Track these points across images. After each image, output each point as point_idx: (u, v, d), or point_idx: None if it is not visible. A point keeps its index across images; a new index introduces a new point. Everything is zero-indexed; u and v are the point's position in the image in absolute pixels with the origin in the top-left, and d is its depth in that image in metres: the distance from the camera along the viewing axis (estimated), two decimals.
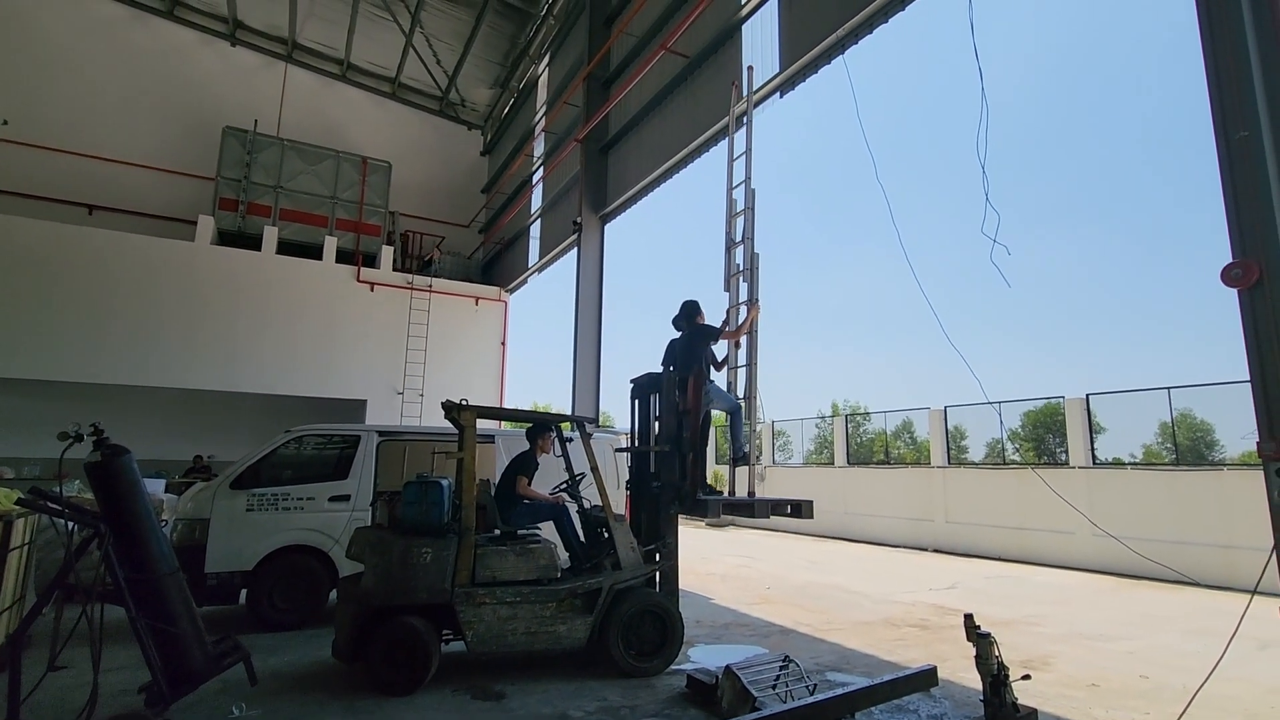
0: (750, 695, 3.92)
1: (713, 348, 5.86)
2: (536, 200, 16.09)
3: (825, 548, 14.01)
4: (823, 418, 22.30)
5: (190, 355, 13.78)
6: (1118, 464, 12.46)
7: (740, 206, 6.30)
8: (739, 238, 6.22)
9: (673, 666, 5.24)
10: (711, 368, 5.85)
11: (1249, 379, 3.51)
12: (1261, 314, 3.44)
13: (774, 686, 4.32)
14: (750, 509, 5.52)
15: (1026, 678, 4.07)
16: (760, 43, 8.46)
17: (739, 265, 6.22)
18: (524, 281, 16.60)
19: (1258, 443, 3.50)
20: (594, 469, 5.48)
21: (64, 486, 5.69)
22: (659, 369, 5.90)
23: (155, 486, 9.60)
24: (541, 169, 15.84)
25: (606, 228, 12.40)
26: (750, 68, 7.08)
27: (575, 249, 12.70)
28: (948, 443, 14.43)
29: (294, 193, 15.93)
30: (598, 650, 5.12)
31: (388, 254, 16.13)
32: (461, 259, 18.47)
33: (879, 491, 15.24)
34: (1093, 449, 11.79)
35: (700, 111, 9.71)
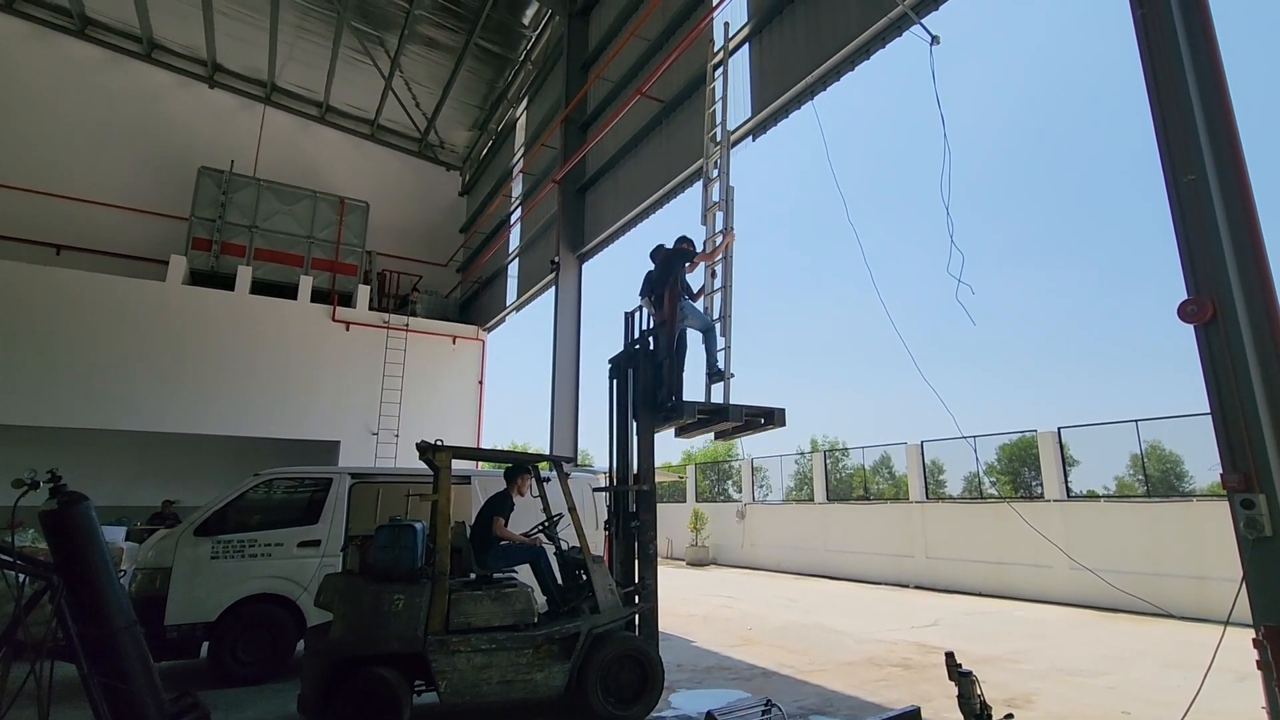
0: None
1: (688, 278, 6.25)
2: (515, 240, 16.19)
3: (806, 586, 13.89)
4: (801, 454, 22.37)
5: (158, 397, 13.44)
6: (1091, 496, 12.61)
7: (717, 141, 7.05)
8: (714, 174, 6.85)
9: (654, 714, 5.10)
10: (686, 293, 6.16)
11: (1209, 412, 3.60)
12: (1217, 349, 3.55)
13: None
14: (725, 413, 5.73)
15: (1009, 717, 4.03)
16: (732, 88, 8.72)
17: (715, 199, 6.76)
18: (502, 320, 16.58)
19: (1221, 474, 3.58)
20: (571, 509, 5.40)
21: (15, 536, 5.46)
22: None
23: (115, 535, 9.24)
24: (519, 209, 15.98)
25: (584, 267, 12.49)
26: (726, 23, 7.80)
27: (553, 288, 12.75)
28: (925, 478, 14.52)
29: (270, 232, 15.85)
30: (575, 697, 4.98)
31: (364, 293, 16.04)
32: (439, 298, 18.41)
33: (859, 527, 15.22)
34: (1066, 482, 11.94)
35: (675, 154, 9.92)
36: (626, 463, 6.10)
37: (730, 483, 25.22)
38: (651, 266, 6.71)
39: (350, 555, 5.09)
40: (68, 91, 16.24)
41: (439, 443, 5.11)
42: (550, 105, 14.67)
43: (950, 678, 3.88)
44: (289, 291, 15.59)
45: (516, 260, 15.94)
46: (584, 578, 5.56)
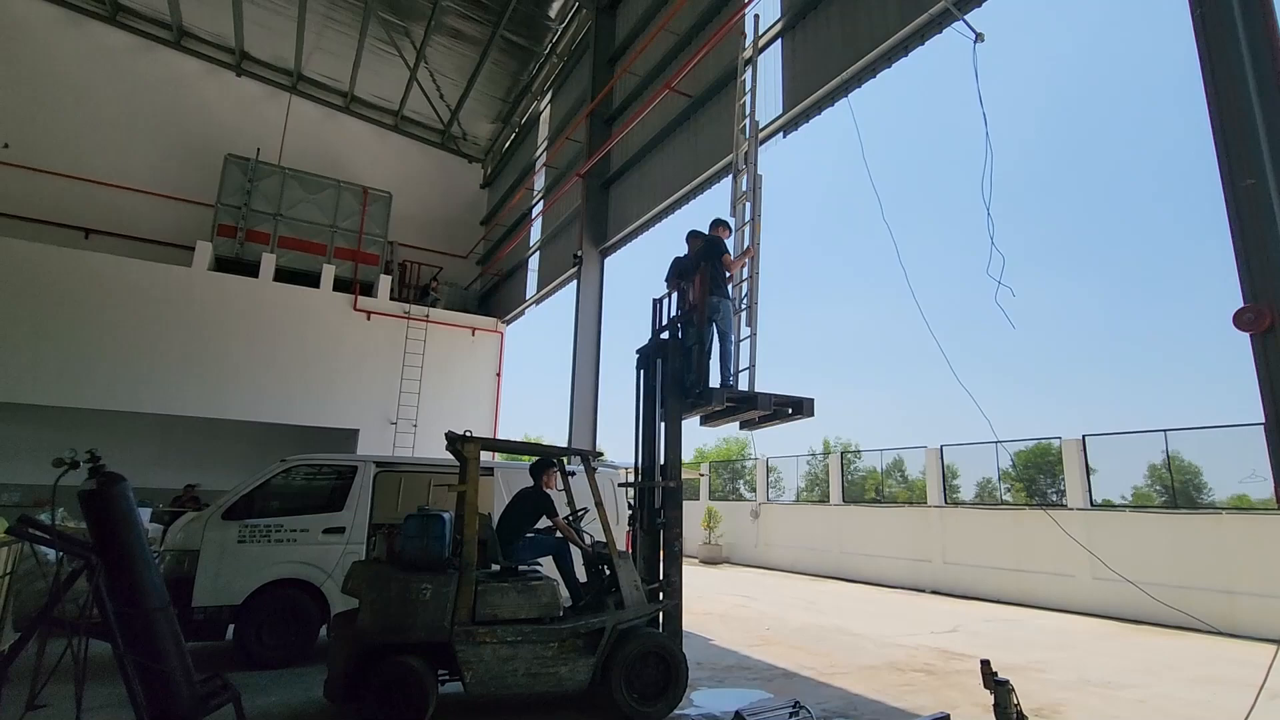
0: None
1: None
2: (536, 233, 16.19)
3: (822, 588, 13.80)
4: (813, 455, 22.27)
5: (181, 381, 13.59)
6: (1108, 505, 12.42)
7: (746, 135, 7.18)
8: (743, 166, 6.96)
9: (675, 711, 5.07)
10: (718, 288, 6.09)
11: (1263, 423, 3.51)
12: (1275, 358, 3.46)
13: None
14: (753, 401, 5.71)
15: None
16: (763, 84, 8.63)
17: (744, 189, 6.86)
18: (521, 313, 16.60)
19: (1276, 488, 3.48)
20: (599, 504, 5.38)
21: (41, 515, 5.52)
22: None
23: (140, 516, 9.34)
24: (541, 203, 15.97)
25: (606, 261, 12.46)
26: (757, 16, 7.96)
27: (574, 282, 12.73)
28: (944, 482, 14.36)
29: (294, 221, 15.95)
30: (596, 693, 4.96)
31: (385, 283, 16.11)
32: (459, 289, 18.47)
33: (875, 530, 15.10)
34: (1090, 490, 11.76)
35: (702, 150, 9.85)
36: (652, 457, 6.06)
37: (742, 482, 25.15)
38: (684, 251, 6.69)
39: (377, 543, 5.11)
40: (98, 77, 16.42)
41: (468, 434, 5.10)
42: (575, 99, 14.63)
43: (985, 686, 3.82)
44: (311, 280, 15.68)
45: (537, 254, 15.94)
46: (606, 572, 5.55)
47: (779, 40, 8.57)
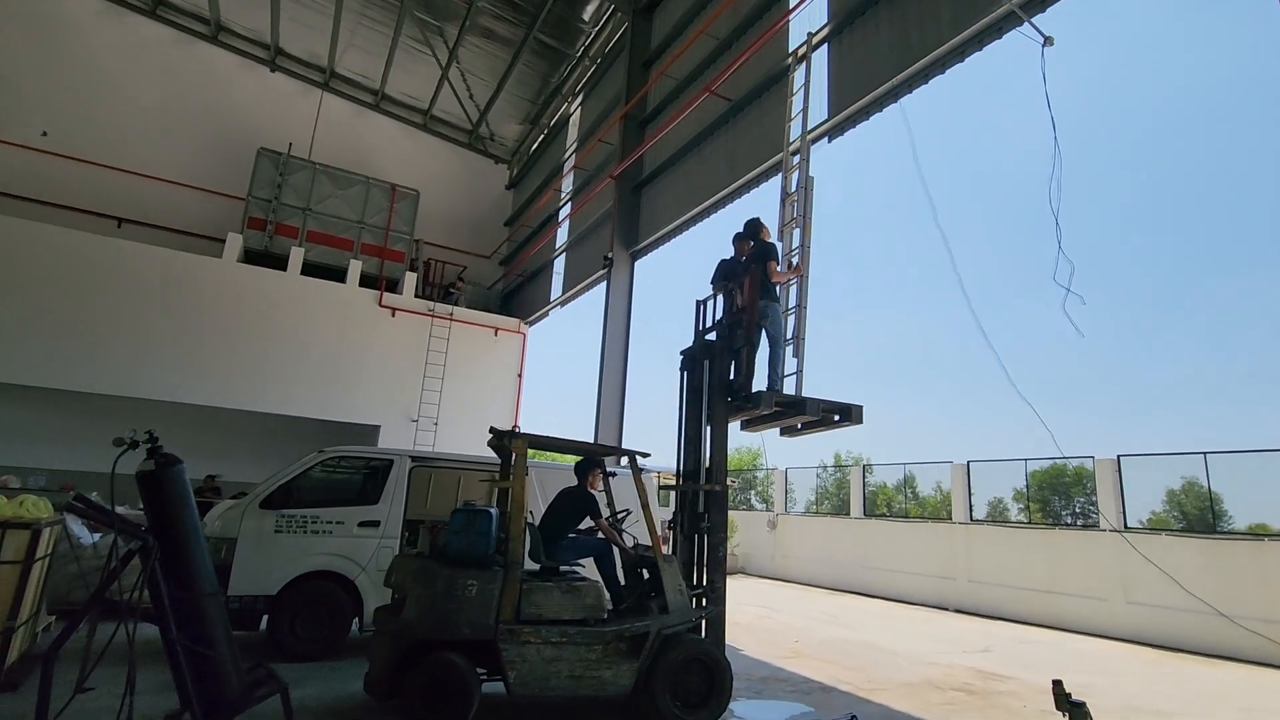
0: None
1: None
2: (562, 235, 16.16)
3: (843, 602, 13.60)
4: (824, 467, 22.03)
5: (206, 371, 13.63)
6: (1152, 528, 12.14)
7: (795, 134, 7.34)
8: (794, 163, 7.04)
9: None
10: (767, 291, 6.00)
11: None
12: None
13: None
14: (802, 406, 5.60)
15: None
16: (798, 83, 8.56)
17: (793, 187, 6.86)
18: (546, 314, 16.56)
19: None
20: (644, 505, 5.28)
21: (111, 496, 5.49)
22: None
23: None
24: (570, 205, 15.96)
25: (635, 265, 12.39)
26: (811, 35, 8.05)
27: (604, 284, 12.67)
28: (970, 498, 14.14)
29: (322, 215, 16.03)
30: (636, 699, 4.84)
31: (411, 280, 16.13)
32: (482, 289, 18.48)
33: (897, 546, 14.87)
34: (1124, 512, 11.51)
35: (741, 155, 9.78)
36: (696, 460, 5.96)
37: (753, 492, 24.93)
38: (727, 254, 6.62)
39: (421, 537, 5.03)
40: (136, 69, 16.60)
41: (515, 429, 5.01)
42: (608, 102, 14.62)
43: (1058, 707, 3.67)
44: (337, 275, 15.74)
45: (564, 255, 15.90)
46: (645, 576, 5.45)
47: (825, 45, 8.48)
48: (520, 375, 17.04)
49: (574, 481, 5.72)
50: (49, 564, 5.45)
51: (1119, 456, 11.71)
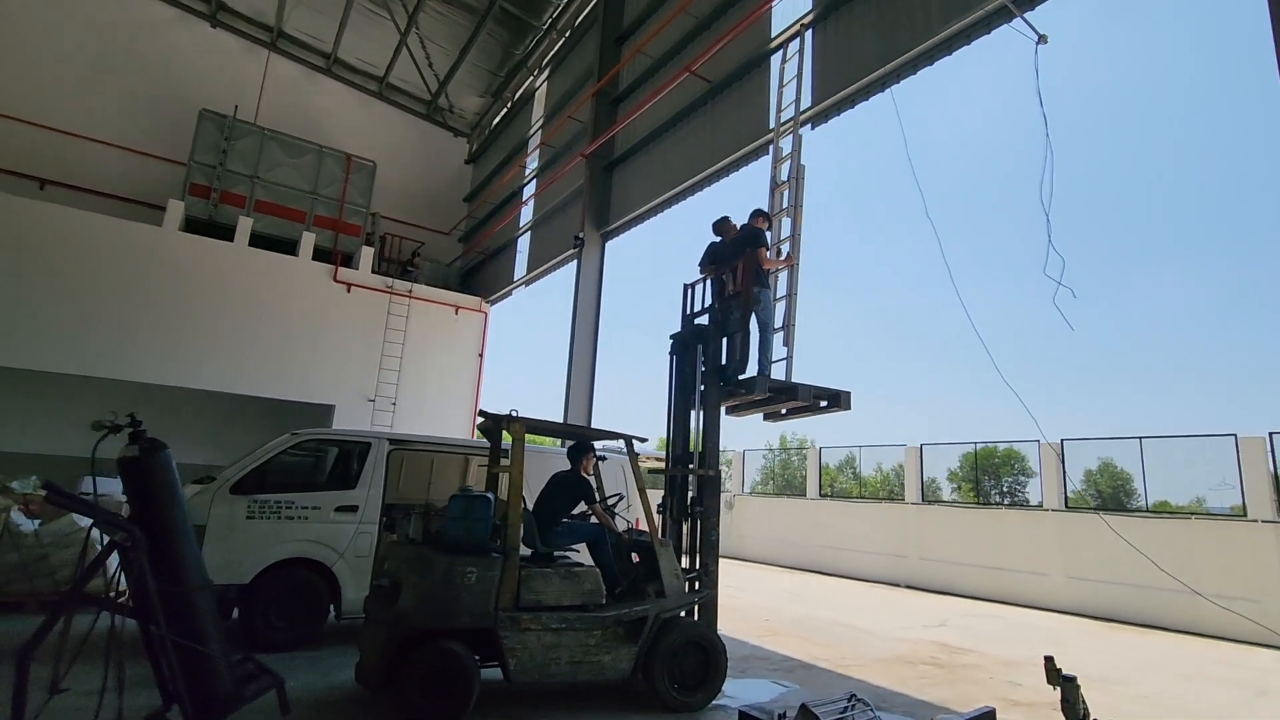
0: None
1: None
2: (526, 214, 15.82)
3: (802, 580, 13.99)
4: (771, 449, 22.52)
5: (144, 346, 12.83)
6: (1089, 507, 12.89)
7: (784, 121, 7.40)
8: (785, 152, 7.06)
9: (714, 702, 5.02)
10: (759, 278, 6.03)
11: None
12: None
13: None
14: (794, 392, 5.73)
15: None
16: (791, 72, 8.56)
17: (784, 178, 6.91)
18: (508, 293, 16.23)
19: None
20: (641, 491, 5.25)
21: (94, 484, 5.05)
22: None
23: (111, 487, 8.78)
24: (535, 182, 15.61)
25: (606, 246, 12.25)
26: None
27: (575, 264, 12.48)
28: (922, 480, 14.70)
29: (272, 185, 15.21)
30: (631, 683, 4.86)
31: (368, 255, 15.53)
32: (440, 266, 17.96)
33: (851, 525, 15.36)
34: (1065, 492, 12.19)
35: (721, 138, 9.73)
36: (685, 444, 5.97)
37: None
38: (716, 238, 6.60)
39: (413, 524, 4.87)
40: (60, 16, 15.28)
41: (514, 413, 4.90)
42: (576, 77, 14.30)
43: (1050, 682, 3.86)
44: (288, 247, 15.03)
45: (529, 234, 15.58)
46: (635, 560, 5.46)
47: (809, 30, 8.48)
48: (481, 355, 16.70)
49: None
50: None
51: (1061, 440, 12.36)
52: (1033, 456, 16.22)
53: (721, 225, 6.55)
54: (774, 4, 8.96)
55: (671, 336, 6.29)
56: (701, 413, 5.71)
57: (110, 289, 12.64)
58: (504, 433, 5.65)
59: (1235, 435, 10.13)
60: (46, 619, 3.24)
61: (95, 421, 3.36)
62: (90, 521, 6.46)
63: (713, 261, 6.34)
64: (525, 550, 5.11)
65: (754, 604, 10.27)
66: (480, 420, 5.41)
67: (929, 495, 15.49)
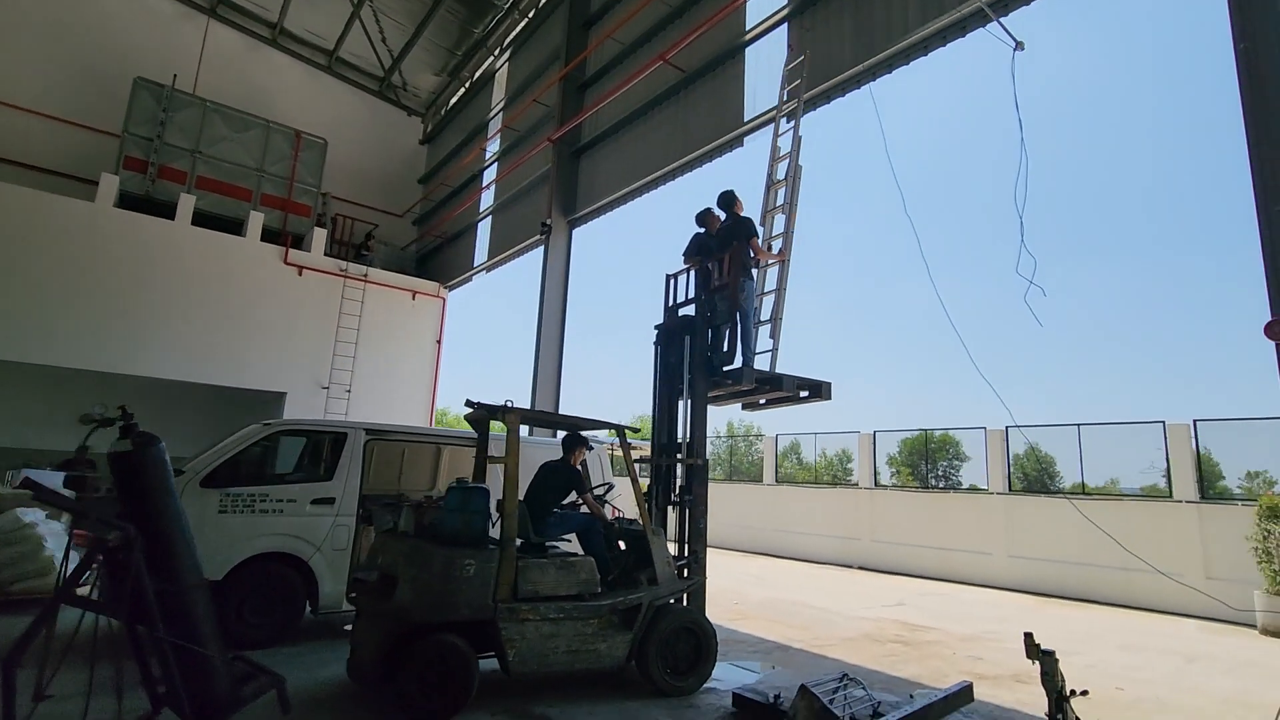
0: (832, 715, 3.90)
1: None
2: (487, 198, 15.51)
3: (761, 563, 14.34)
4: (718, 436, 22.98)
5: (77, 330, 12.05)
6: (1028, 491, 13.65)
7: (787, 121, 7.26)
8: (782, 152, 7.01)
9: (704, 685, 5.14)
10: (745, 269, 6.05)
11: None
12: None
13: (830, 703, 4.32)
14: (779, 383, 5.88)
15: (1084, 693, 4.30)
16: (767, 68, 8.66)
17: (780, 176, 6.93)
18: (468, 279, 15.93)
19: None
20: (634, 480, 5.30)
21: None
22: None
23: (52, 480, 8.25)
24: (496, 166, 15.32)
25: (573, 233, 12.16)
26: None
27: (535, 250, 12.37)
28: (875, 466, 15.25)
29: (214, 160, 14.45)
30: (623, 669, 4.93)
31: (320, 236, 14.95)
32: (395, 249, 17.46)
33: (807, 510, 15.83)
34: (1009, 476, 12.87)
35: (693, 127, 9.77)
36: (669, 434, 6.05)
37: None
38: (692, 230, 6.62)
39: (405, 516, 4.79)
40: None
41: (509, 404, 4.85)
42: (542, 60, 14.05)
43: (1029, 656, 4.10)
44: (233, 227, 14.35)
45: (489, 219, 15.30)
46: (621, 548, 5.52)
47: (785, 25, 8.59)
48: (439, 341, 16.36)
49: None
50: None
51: (1007, 428, 13.03)
52: (966, 442, 17.45)
53: (704, 217, 6.58)
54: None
55: (656, 327, 6.33)
56: (689, 402, 5.77)
57: (38, 268, 11.80)
58: (492, 423, 5.63)
59: (1164, 422, 10.89)
60: (33, 625, 3.06)
61: (84, 415, 3.18)
62: (42, 518, 6.08)
63: (699, 253, 6.38)
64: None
65: (721, 587, 10.47)
66: (469, 410, 5.34)
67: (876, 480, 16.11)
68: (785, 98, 7.32)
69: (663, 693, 4.89)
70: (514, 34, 15.89)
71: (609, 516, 5.67)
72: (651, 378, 6.24)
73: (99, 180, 12.79)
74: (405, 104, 19.55)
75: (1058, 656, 4.05)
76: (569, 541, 5.47)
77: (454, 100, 18.66)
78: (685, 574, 5.46)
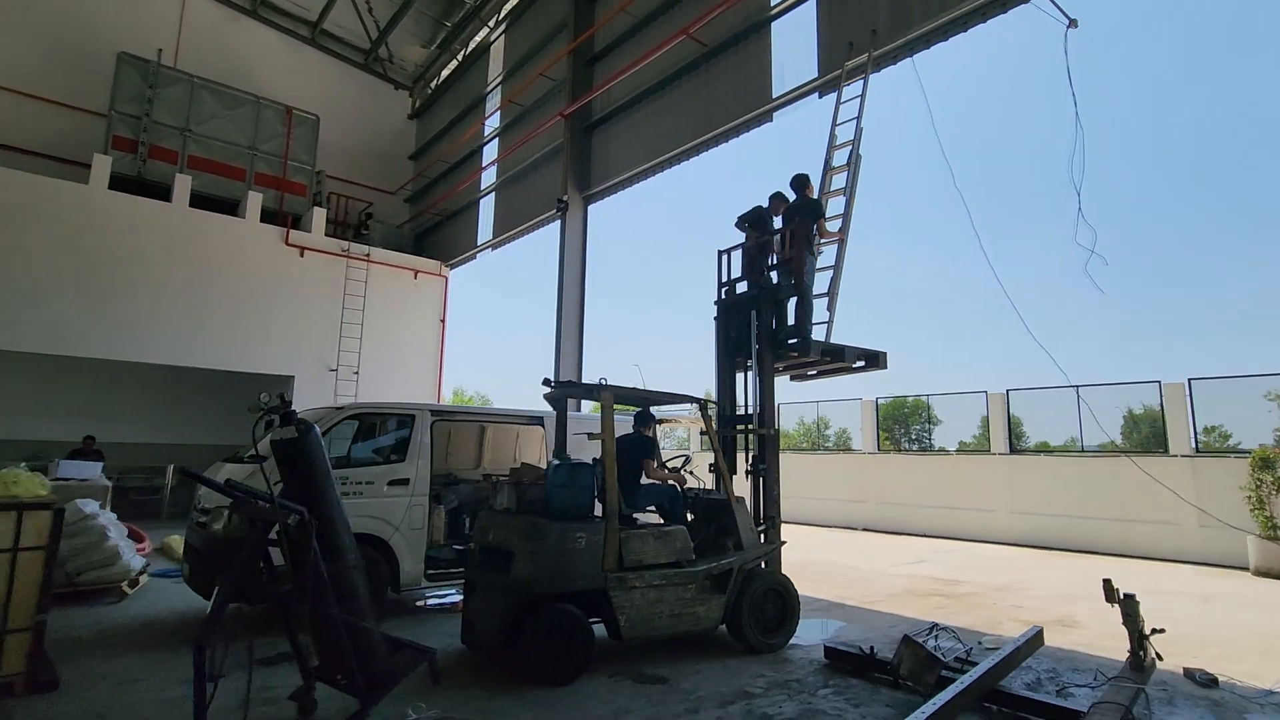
0: (938, 661, 4.21)
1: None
2: (491, 174, 15.33)
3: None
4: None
5: (75, 316, 11.70)
6: (1035, 450, 14.31)
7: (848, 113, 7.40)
8: (840, 141, 7.22)
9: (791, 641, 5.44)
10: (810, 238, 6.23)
11: None
12: None
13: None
14: (841, 354, 6.08)
15: (1159, 631, 4.67)
16: (797, 40, 8.73)
17: (838, 163, 7.17)
18: (472, 256, 15.80)
19: None
20: (717, 452, 5.50)
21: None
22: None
23: (91, 471, 8.14)
24: (497, 141, 15.13)
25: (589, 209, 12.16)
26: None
27: (545, 227, 12.36)
28: (878, 431, 15.76)
29: (206, 139, 14.00)
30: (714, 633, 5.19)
31: (320, 216, 14.64)
32: (392, 228, 17.16)
33: (812, 475, 16.31)
34: (1010, 438, 13.45)
35: (716, 103, 9.81)
36: (733, 405, 6.26)
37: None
38: (762, 205, 6.71)
39: (507, 494, 4.93)
40: None
41: (603, 381, 5.00)
42: (544, 33, 13.83)
43: (1108, 600, 4.48)
44: (228, 207, 13.98)
45: (492, 195, 15.15)
46: (690, 517, 5.75)
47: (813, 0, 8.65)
48: (443, 321, 16.25)
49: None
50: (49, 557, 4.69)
51: (1008, 391, 13.59)
52: (939, 407, 18.27)
53: (776, 200, 6.63)
54: None
55: (716, 303, 6.49)
56: (759, 375, 5.97)
57: (34, 254, 11.39)
58: (566, 401, 5.77)
59: (1159, 382, 11.50)
60: (216, 607, 3.16)
61: (254, 404, 3.22)
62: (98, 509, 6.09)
63: (754, 224, 6.49)
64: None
65: None
66: (547, 390, 5.46)
67: (840, 444, 16.72)
68: (843, 94, 7.43)
69: (755, 650, 5.17)
70: (510, 6, 15.56)
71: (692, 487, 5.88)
72: (715, 351, 6.41)
73: (90, 163, 12.30)
74: (392, 77, 19.04)
75: (1137, 600, 4.42)
76: (651, 511, 5.66)
77: (446, 73, 18.25)
78: (765, 539, 5.72)
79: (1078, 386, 12.78)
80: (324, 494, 3.43)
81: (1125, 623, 4.38)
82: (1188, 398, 11.16)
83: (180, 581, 7.37)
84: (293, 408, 3.41)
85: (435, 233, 17.41)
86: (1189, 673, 4.71)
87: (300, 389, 13.84)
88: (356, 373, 14.43)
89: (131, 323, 12.15)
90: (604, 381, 5.02)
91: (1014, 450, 13.40)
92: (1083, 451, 12.77)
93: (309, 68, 17.68)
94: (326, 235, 14.85)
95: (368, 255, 14.95)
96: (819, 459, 16.64)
